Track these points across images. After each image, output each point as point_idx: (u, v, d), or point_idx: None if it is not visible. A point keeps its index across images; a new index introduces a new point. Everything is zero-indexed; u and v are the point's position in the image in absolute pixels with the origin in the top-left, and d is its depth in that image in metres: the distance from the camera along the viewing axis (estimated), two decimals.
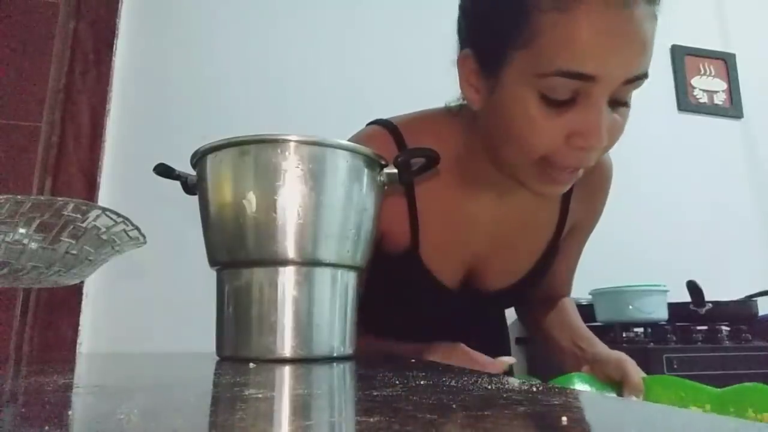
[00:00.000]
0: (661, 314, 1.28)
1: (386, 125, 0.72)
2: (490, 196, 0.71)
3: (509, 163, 0.62)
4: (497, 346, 0.89)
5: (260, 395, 0.27)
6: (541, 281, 0.79)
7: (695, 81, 1.94)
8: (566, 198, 0.75)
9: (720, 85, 1.97)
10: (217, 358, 0.51)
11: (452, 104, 0.72)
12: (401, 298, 0.75)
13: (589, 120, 0.54)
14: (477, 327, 0.83)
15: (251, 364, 0.44)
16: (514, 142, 0.59)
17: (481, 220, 0.72)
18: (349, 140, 0.73)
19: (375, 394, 0.27)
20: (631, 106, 0.59)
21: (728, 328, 1.29)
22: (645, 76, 0.55)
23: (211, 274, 0.54)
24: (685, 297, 1.36)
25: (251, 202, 0.48)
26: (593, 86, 0.53)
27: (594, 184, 0.77)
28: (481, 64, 0.61)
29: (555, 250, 0.77)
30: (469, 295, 0.75)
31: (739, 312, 1.36)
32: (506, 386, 0.32)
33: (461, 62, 0.63)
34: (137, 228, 0.55)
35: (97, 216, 0.50)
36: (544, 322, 0.84)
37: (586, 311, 1.33)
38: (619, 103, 0.57)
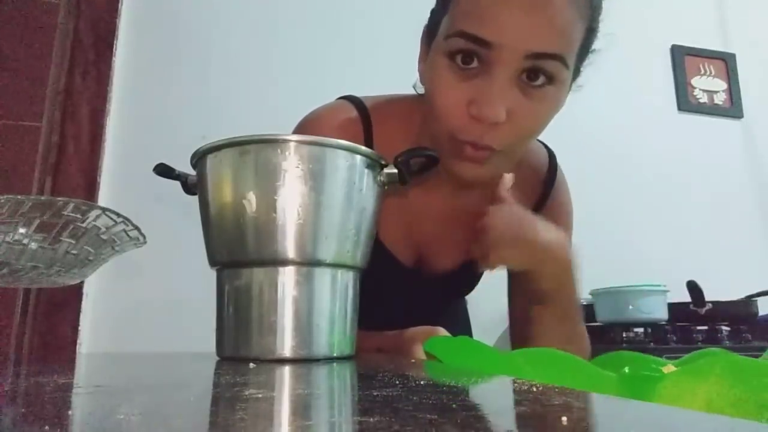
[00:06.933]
0: (661, 314, 1.28)
1: (356, 103, 0.72)
2: (445, 190, 0.72)
3: (437, 142, 0.62)
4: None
5: (260, 395, 0.27)
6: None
7: (695, 81, 1.94)
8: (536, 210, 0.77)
9: (720, 85, 1.96)
10: (217, 358, 0.51)
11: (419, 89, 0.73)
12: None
13: (486, 88, 0.55)
14: (439, 315, 0.83)
15: (251, 364, 0.44)
16: (434, 112, 0.60)
17: (431, 214, 0.73)
18: (313, 111, 0.73)
19: (375, 394, 0.27)
20: (555, 101, 0.58)
21: (728, 328, 1.29)
22: (556, 57, 0.55)
23: (211, 274, 0.54)
24: (685, 297, 1.36)
25: (251, 202, 0.48)
26: (493, 54, 0.54)
27: (554, 212, 0.77)
28: (427, 39, 0.64)
29: None
30: (423, 273, 0.76)
31: (739, 312, 1.36)
32: (506, 386, 0.32)
33: (421, 43, 0.66)
34: (137, 228, 0.55)
35: (97, 216, 0.50)
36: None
37: (586, 311, 1.33)
38: (532, 83, 0.56)
